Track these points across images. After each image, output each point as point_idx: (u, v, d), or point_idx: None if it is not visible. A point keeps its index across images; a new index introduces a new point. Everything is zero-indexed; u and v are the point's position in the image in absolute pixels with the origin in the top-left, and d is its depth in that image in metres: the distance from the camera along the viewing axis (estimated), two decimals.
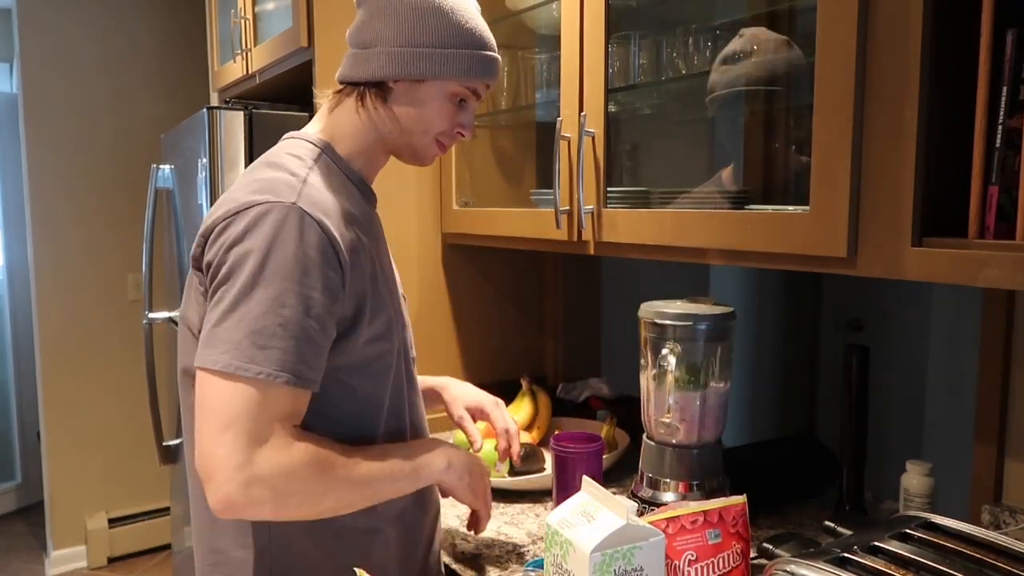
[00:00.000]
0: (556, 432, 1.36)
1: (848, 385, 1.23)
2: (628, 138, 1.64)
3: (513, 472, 1.44)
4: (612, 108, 1.40)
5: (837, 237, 0.94)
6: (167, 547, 3.35)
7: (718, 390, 1.22)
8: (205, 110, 1.76)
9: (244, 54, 2.15)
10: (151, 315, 2.27)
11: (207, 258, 0.92)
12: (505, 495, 1.44)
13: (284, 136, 1.06)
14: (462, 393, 1.28)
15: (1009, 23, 0.80)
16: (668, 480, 1.23)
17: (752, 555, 1.01)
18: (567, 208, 1.38)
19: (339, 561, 0.99)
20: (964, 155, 0.85)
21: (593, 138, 1.33)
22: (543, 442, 1.66)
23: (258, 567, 0.99)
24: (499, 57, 1.05)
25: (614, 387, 1.85)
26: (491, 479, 1.14)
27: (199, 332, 0.91)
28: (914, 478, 1.18)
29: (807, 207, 0.98)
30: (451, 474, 1.03)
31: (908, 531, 0.86)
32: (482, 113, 1.81)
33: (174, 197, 2.25)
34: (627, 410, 1.71)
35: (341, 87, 1.05)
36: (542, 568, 0.94)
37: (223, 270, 0.88)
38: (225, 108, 1.77)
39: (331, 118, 1.04)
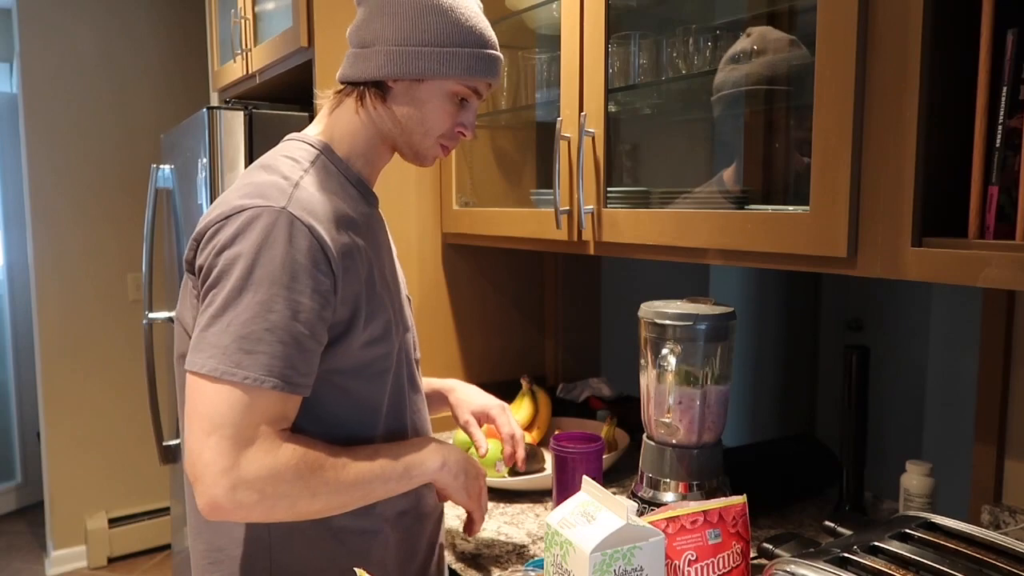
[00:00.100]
0: (556, 432, 1.36)
1: (848, 385, 1.23)
2: (628, 138, 1.64)
3: (513, 472, 1.44)
4: (612, 108, 1.40)
5: (837, 237, 0.94)
6: (167, 547, 3.35)
7: (718, 390, 1.22)
8: (205, 110, 1.76)
9: (244, 54, 2.15)
10: (151, 315, 2.27)
11: (199, 261, 0.92)
12: (505, 495, 1.44)
13: (285, 137, 1.06)
14: (468, 397, 1.28)
15: (1009, 23, 0.80)
16: (668, 480, 1.22)
17: (752, 555, 1.01)
18: (567, 208, 1.38)
19: (338, 561, 0.99)
20: (964, 155, 0.85)
21: (593, 138, 1.33)
22: (543, 442, 1.66)
23: (257, 566, 0.99)
24: (500, 55, 1.03)
25: (614, 387, 1.85)
26: (491, 479, 1.13)
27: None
28: (914, 478, 1.18)
29: (807, 207, 0.98)
30: (446, 473, 1.03)
31: (908, 531, 0.86)
32: (482, 113, 1.81)
33: (174, 197, 2.25)
34: (627, 410, 1.71)
35: (342, 87, 1.04)
36: (542, 568, 0.94)
37: (213, 274, 0.89)
38: (225, 108, 1.77)
39: (331, 119, 1.04)
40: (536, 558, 1.14)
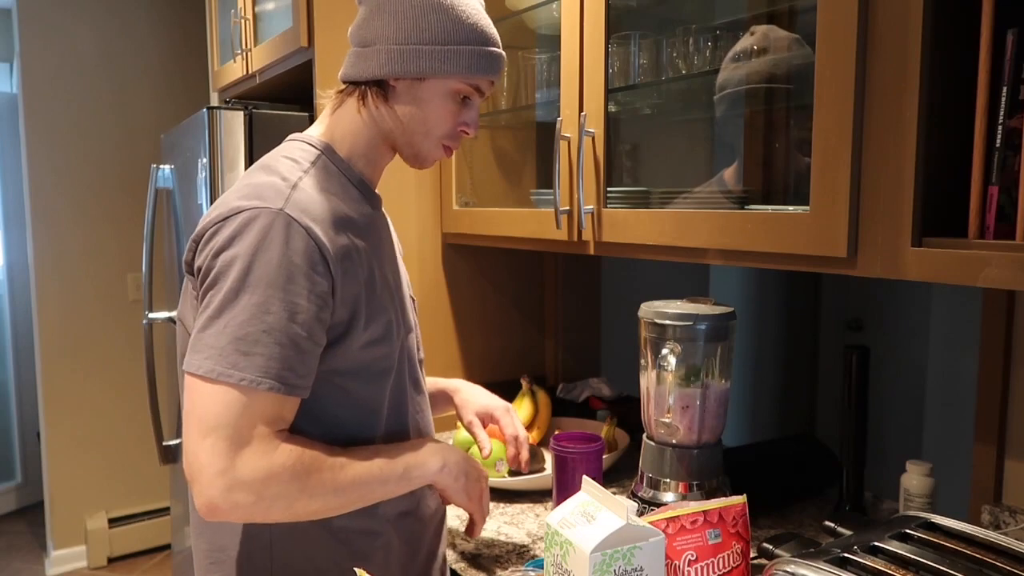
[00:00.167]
0: (556, 432, 1.36)
1: (848, 385, 1.23)
2: (628, 138, 1.64)
3: (513, 472, 1.44)
4: (612, 108, 1.40)
5: (837, 237, 0.94)
6: (167, 547, 3.35)
7: (718, 390, 1.22)
8: (205, 110, 1.76)
9: (244, 54, 2.15)
10: (151, 315, 2.28)
11: (197, 263, 0.92)
12: (505, 495, 1.44)
13: (287, 138, 1.06)
14: (473, 397, 1.27)
15: (1009, 23, 0.80)
16: (668, 480, 1.22)
17: (752, 555, 1.01)
18: (567, 208, 1.38)
19: (339, 562, 0.99)
20: (964, 155, 0.85)
21: (593, 138, 1.33)
22: (543, 442, 1.66)
23: (258, 566, 0.99)
24: (503, 53, 1.03)
25: (614, 387, 1.85)
26: (491, 479, 1.13)
27: None
28: (914, 478, 1.18)
29: (807, 207, 0.98)
30: (446, 475, 1.02)
31: (908, 531, 0.86)
32: (482, 113, 1.81)
33: (174, 197, 2.25)
34: (627, 410, 1.71)
35: (343, 87, 1.04)
36: (542, 568, 0.94)
37: (211, 276, 0.89)
38: (225, 108, 1.77)
39: (333, 119, 1.04)
40: (536, 558, 1.14)
